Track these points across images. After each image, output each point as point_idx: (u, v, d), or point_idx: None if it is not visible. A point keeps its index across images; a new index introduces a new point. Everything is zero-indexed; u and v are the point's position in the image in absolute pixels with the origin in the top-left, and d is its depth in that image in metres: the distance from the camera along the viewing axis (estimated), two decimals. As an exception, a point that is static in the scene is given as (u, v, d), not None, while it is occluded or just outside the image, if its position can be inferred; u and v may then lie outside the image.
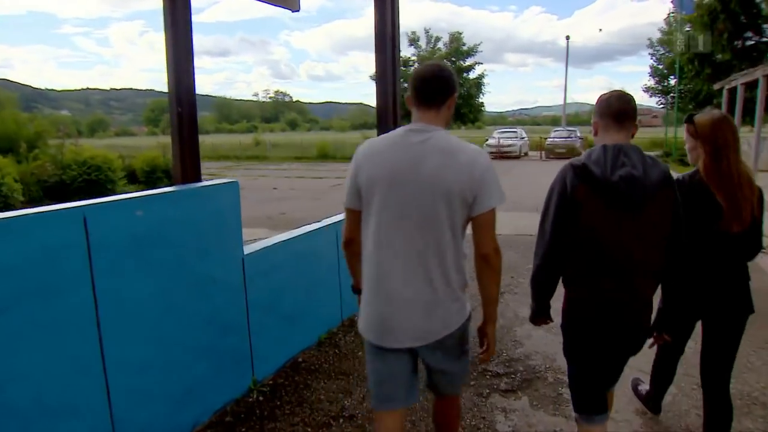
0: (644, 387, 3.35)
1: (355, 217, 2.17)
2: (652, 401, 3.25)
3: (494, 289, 2.18)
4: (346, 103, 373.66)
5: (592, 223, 2.11)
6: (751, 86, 14.74)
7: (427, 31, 31.01)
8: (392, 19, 5.36)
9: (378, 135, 5.49)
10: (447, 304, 2.09)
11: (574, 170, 2.14)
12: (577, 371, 2.39)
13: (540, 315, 2.50)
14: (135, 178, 13.77)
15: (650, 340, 2.41)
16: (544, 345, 4.37)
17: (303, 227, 4.19)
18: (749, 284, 2.62)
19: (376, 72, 5.47)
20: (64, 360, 2.28)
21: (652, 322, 2.31)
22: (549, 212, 2.23)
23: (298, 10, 5.76)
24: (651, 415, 3.31)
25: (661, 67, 25.41)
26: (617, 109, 2.18)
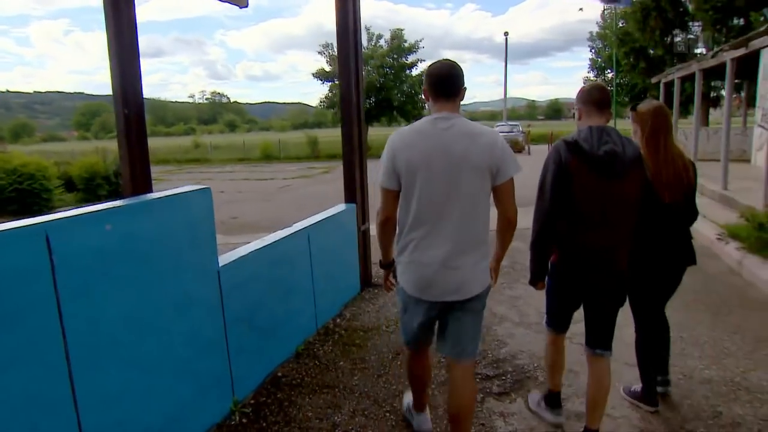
0: (636, 387, 3.38)
1: (392, 196, 2.48)
2: (646, 396, 3.31)
3: (510, 240, 2.67)
4: (284, 103, 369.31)
5: (581, 189, 2.56)
6: (684, 79, 15.29)
7: (368, 29, 30.86)
8: (354, 9, 5.18)
9: (342, 124, 5.29)
10: (477, 267, 2.47)
11: (567, 146, 2.58)
12: (557, 305, 3.02)
13: (540, 277, 2.88)
14: (72, 186, 12.98)
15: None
16: (528, 343, 4.28)
17: (276, 233, 3.94)
18: (692, 243, 3.16)
19: (339, 62, 5.27)
20: (28, 397, 1.98)
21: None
22: (547, 181, 2.65)
23: (246, 6, 5.65)
24: (647, 410, 3.25)
25: (599, 60, 26.22)
26: (598, 98, 2.67)
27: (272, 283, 3.69)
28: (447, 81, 2.43)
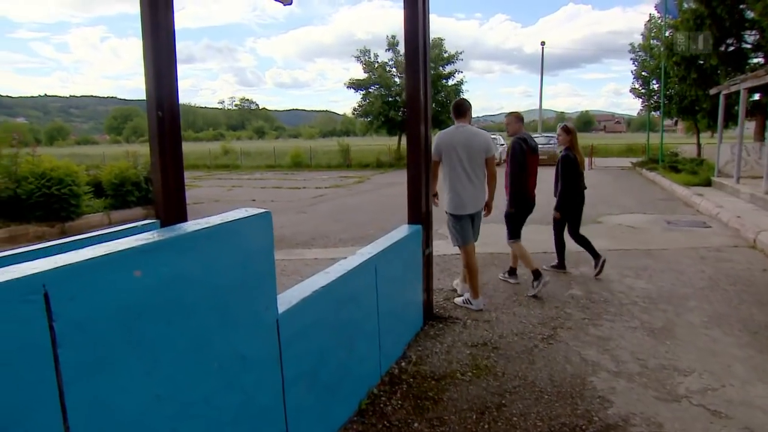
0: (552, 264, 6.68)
1: (436, 163, 5.06)
2: (559, 265, 6.64)
3: (494, 185, 5.30)
4: (312, 111, 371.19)
5: (526, 160, 5.64)
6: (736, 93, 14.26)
7: (393, 38, 30.19)
8: (424, 12, 4.49)
9: (408, 138, 4.61)
10: (483, 194, 5.19)
11: (522, 141, 5.65)
12: (516, 222, 5.91)
13: (516, 204, 5.84)
14: (101, 191, 12.44)
15: (555, 213, 6.55)
16: (639, 403, 3.45)
17: (341, 265, 3.20)
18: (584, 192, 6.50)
19: (406, 67, 4.57)
20: None
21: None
22: (518, 160, 5.64)
23: (290, 3, 5.14)
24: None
25: (645, 73, 25.09)
26: (522, 120, 6.05)
27: (336, 327, 2.95)
28: (460, 108, 5.17)
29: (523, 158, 5.60)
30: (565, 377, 3.80)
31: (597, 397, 3.53)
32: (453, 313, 5.12)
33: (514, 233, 5.89)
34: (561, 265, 6.60)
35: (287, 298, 2.51)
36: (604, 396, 3.55)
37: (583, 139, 51.83)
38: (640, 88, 25.79)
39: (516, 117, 5.92)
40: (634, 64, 26.09)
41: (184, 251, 1.76)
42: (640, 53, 25.84)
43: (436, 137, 5.05)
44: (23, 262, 1.44)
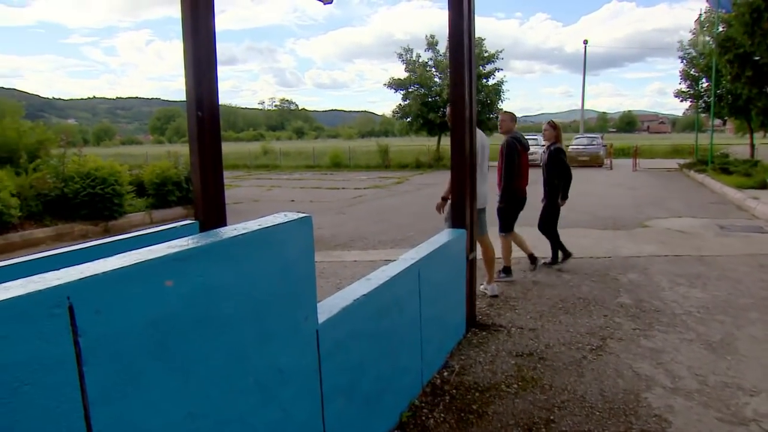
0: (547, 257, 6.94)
1: None
2: (565, 255, 6.91)
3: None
4: (351, 111, 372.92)
5: (520, 158, 5.97)
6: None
7: (432, 37, 29.88)
8: (469, 10, 4.34)
9: (452, 138, 4.45)
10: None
11: (515, 140, 5.94)
12: (510, 218, 6.18)
13: (508, 198, 6.10)
14: (143, 191, 12.64)
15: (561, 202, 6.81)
16: (698, 421, 3.21)
17: (381, 271, 3.06)
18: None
19: (450, 71, 4.43)
20: None
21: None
22: (512, 158, 5.90)
23: (331, 2, 5.08)
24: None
25: (694, 72, 24.13)
26: (515, 120, 6.17)
27: (378, 336, 2.82)
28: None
29: (517, 156, 5.95)
30: (617, 392, 3.58)
31: (653, 416, 3.30)
32: (497, 320, 4.93)
33: (506, 227, 6.21)
34: (566, 254, 6.88)
35: (327, 307, 2.39)
36: (661, 415, 3.32)
37: (626, 140, 50.72)
38: (687, 90, 24.83)
39: (511, 116, 6.20)
40: (682, 62, 25.15)
41: (219, 259, 1.65)
42: (689, 51, 24.90)
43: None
44: (52, 266, 1.35)
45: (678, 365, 3.99)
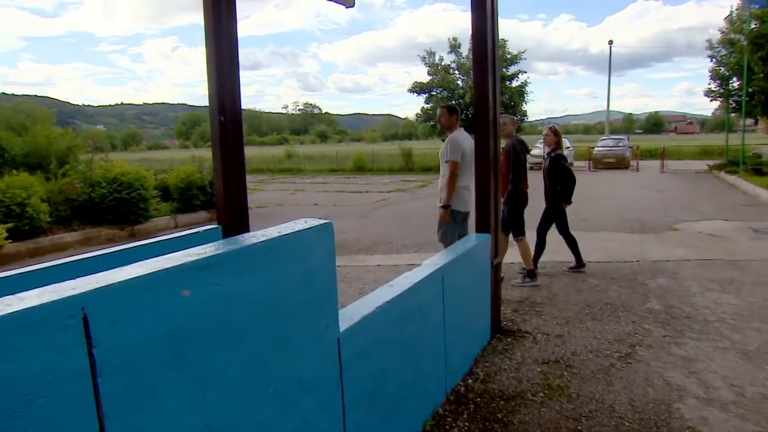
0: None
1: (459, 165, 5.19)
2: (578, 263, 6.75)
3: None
4: (374, 114, 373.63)
5: (525, 161, 6.17)
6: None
7: (455, 40, 29.69)
8: (492, 10, 4.28)
9: (476, 142, 4.39)
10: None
11: (519, 143, 6.06)
12: (521, 220, 6.15)
13: (514, 199, 6.10)
14: (168, 195, 12.78)
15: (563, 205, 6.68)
16: (735, 435, 3.10)
17: (404, 277, 3.01)
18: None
19: (474, 75, 4.37)
20: None
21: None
22: (519, 159, 5.99)
23: (352, 6, 5.07)
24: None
25: (724, 71, 23.55)
26: (515, 122, 6.43)
27: (401, 343, 2.77)
28: (458, 112, 5.59)
29: (523, 159, 6.11)
30: (647, 402, 3.47)
31: (686, 428, 3.19)
32: (522, 326, 4.83)
33: (520, 230, 6.16)
34: (579, 262, 6.83)
35: (349, 315, 2.34)
36: (695, 427, 3.19)
37: (653, 141, 49.80)
38: (716, 89, 24.25)
39: (512, 120, 6.32)
40: (711, 61, 24.60)
41: (237, 268, 1.62)
42: (718, 49, 24.34)
43: (458, 141, 5.23)
44: (73, 273, 1.33)
45: (712, 375, 3.85)
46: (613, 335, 4.58)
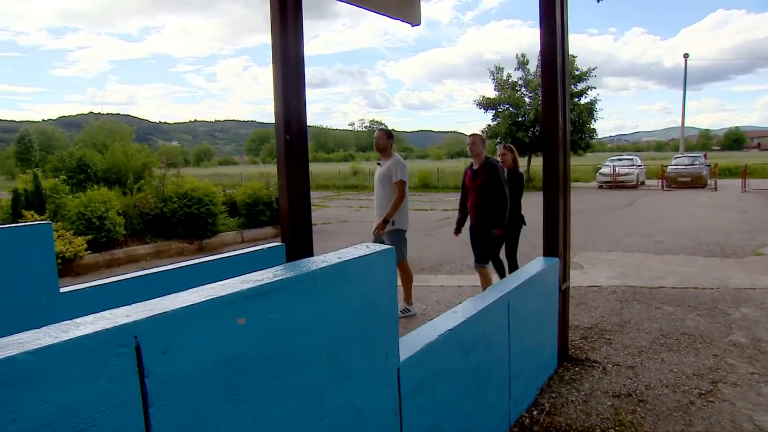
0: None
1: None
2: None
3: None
4: (440, 132, 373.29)
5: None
6: None
7: (539, 57, 29.23)
8: (562, 25, 4.15)
9: (544, 161, 4.23)
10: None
11: (498, 164, 5.70)
12: (497, 249, 5.97)
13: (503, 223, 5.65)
14: (236, 210, 13.11)
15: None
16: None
17: (469, 302, 2.90)
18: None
19: (542, 94, 4.23)
20: None
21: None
22: (504, 181, 5.60)
23: (418, 24, 5.20)
24: None
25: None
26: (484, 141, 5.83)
27: (463, 372, 2.65)
28: (393, 137, 6.09)
29: (504, 180, 5.66)
30: (734, 448, 3.19)
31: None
32: (590, 354, 4.59)
33: (486, 257, 5.89)
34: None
35: (410, 343, 2.26)
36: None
37: (732, 159, 47.23)
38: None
39: (482, 138, 5.81)
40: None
41: (295, 295, 1.56)
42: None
43: (402, 162, 5.76)
44: (142, 287, 1.31)
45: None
46: (691, 369, 4.27)
